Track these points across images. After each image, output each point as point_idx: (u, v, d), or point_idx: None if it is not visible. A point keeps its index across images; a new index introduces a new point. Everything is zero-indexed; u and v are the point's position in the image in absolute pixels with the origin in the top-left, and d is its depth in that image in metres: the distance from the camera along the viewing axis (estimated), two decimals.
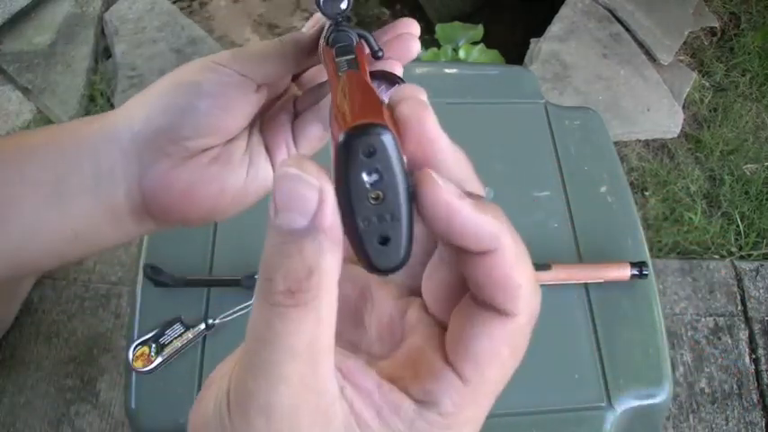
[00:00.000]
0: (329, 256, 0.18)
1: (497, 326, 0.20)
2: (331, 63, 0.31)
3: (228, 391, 0.19)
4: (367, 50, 0.34)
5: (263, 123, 0.39)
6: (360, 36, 0.33)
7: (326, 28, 0.34)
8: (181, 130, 0.33)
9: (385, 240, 0.19)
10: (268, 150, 0.38)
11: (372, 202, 0.19)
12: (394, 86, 0.34)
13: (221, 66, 0.34)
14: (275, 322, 0.18)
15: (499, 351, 0.20)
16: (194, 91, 0.33)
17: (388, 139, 0.19)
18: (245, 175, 0.37)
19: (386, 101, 0.21)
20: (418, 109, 0.20)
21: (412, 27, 0.37)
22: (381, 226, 0.19)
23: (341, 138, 0.19)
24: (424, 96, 0.21)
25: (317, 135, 0.38)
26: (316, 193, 0.18)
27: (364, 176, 0.19)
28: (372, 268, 0.20)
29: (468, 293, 0.21)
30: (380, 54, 0.34)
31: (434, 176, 0.19)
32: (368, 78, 0.29)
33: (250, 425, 0.18)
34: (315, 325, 0.18)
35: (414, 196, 0.19)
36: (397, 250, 0.19)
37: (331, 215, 0.18)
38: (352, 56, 0.31)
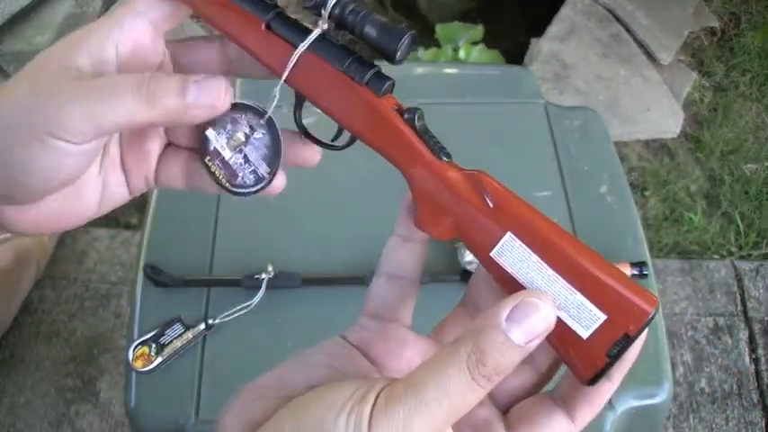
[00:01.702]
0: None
1: (560, 423, 0.29)
2: (443, 170, 0.30)
3: (371, 416, 0.23)
4: None
5: (124, 138, 0.35)
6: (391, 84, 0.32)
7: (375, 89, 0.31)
8: (15, 197, 0.31)
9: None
10: (125, 171, 0.35)
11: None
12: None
13: (52, 138, 0.28)
14: (467, 393, 0.24)
15: None
16: (25, 171, 0.29)
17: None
18: (98, 206, 0.34)
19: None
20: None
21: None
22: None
23: (636, 332, 0.27)
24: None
25: (181, 185, 0.36)
26: (546, 331, 0.25)
27: None
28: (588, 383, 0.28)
29: (551, 394, 0.30)
30: None
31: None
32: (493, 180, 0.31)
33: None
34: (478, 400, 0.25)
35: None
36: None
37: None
38: (442, 146, 0.31)
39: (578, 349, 0.27)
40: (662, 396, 0.75)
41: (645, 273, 0.81)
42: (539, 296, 0.26)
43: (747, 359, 1.47)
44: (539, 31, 1.89)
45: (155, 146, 0.35)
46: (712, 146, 1.79)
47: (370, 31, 0.29)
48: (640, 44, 1.91)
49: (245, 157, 0.35)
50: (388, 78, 0.31)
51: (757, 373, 1.46)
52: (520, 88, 1.03)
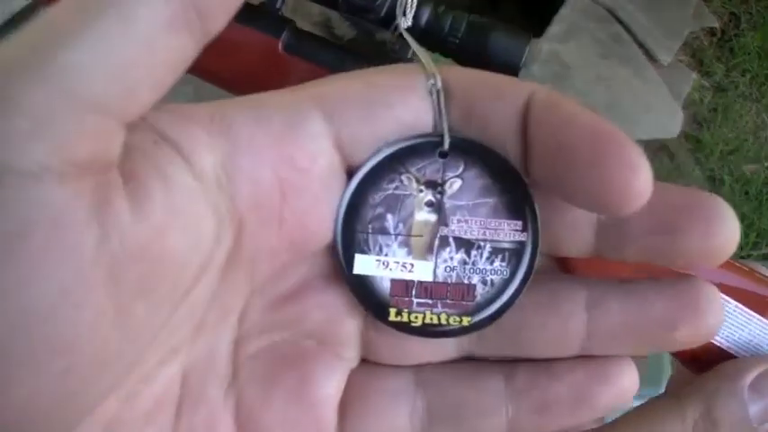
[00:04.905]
0: None
1: None
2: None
3: None
4: None
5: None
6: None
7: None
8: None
9: None
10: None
11: None
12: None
13: None
14: None
15: None
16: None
17: None
18: None
19: None
20: None
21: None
22: None
23: None
24: None
25: None
26: None
27: None
28: None
29: None
30: None
31: None
32: None
33: None
34: None
35: None
36: None
37: None
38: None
39: None
40: None
41: None
42: None
43: None
44: (539, 31, 1.89)
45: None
46: (712, 146, 1.79)
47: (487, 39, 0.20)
48: (640, 44, 1.91)
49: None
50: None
51: None
52: None
